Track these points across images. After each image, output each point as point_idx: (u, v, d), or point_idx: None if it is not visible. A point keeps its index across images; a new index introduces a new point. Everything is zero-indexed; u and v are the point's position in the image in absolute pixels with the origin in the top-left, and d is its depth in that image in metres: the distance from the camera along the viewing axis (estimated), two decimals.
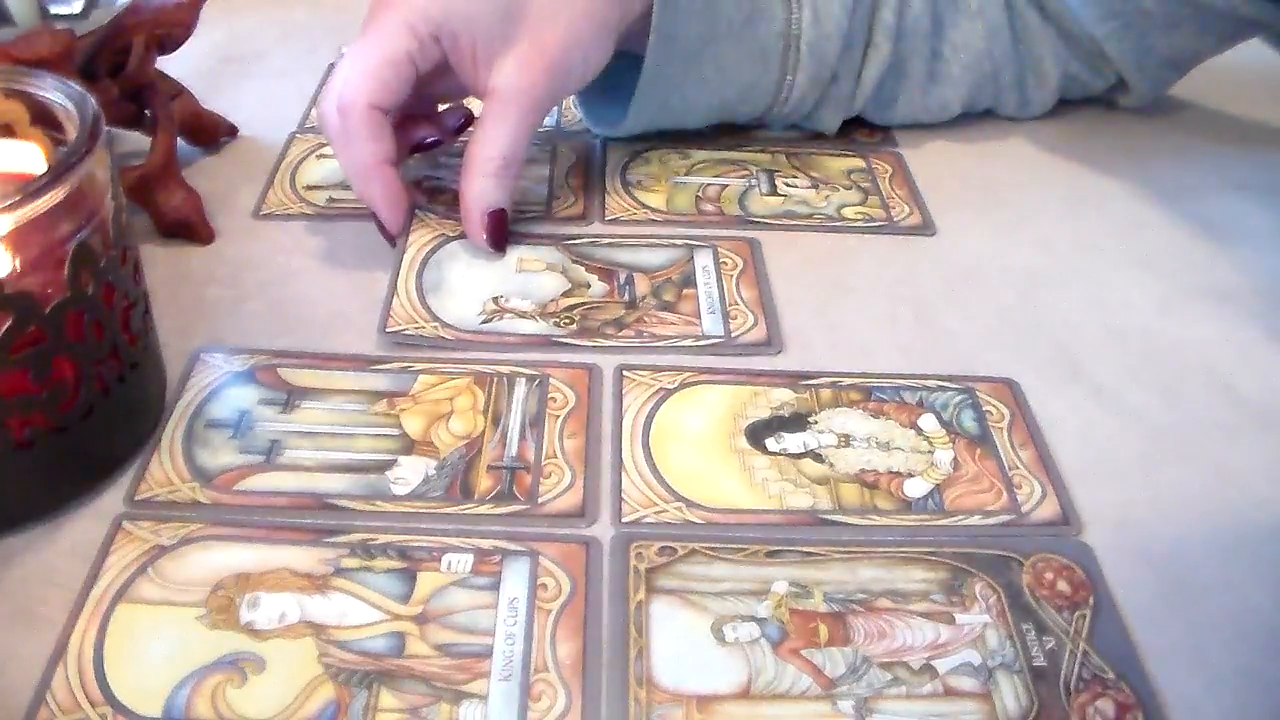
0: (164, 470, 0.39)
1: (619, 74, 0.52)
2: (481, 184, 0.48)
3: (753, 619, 0.35)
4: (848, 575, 0.37)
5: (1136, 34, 0.58)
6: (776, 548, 0.37)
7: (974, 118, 0.62)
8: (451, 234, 0.51)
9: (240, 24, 0.71)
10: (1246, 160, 0.61)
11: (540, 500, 0.39)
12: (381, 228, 0.50)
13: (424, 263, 0.49)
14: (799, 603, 0.36)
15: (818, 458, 0.41)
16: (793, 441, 0.42)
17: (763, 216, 0.54)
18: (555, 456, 0.40)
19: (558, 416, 0.42)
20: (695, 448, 0.41)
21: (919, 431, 0.42)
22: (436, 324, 0.46)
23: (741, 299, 0.49)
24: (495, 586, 0.36)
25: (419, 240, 0.50)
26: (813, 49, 0.55)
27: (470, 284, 0.49)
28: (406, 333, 0.46)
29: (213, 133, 0.58)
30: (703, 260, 0.51)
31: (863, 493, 0.40)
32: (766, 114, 0.58)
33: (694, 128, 0.59)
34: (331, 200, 0.54)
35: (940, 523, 0.39)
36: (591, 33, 0.49)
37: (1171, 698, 0.34)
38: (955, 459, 0.41)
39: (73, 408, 0.36)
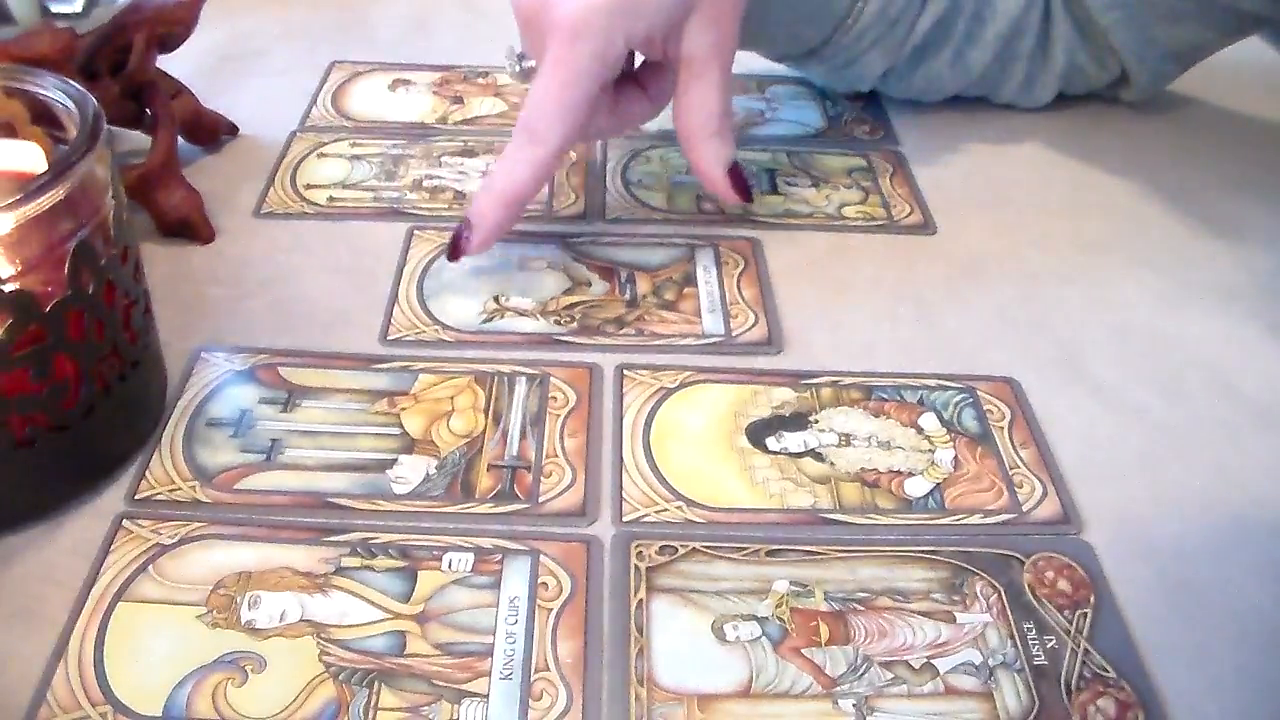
0: (164, 469, 0.39)
1: None
2: (712, 146, 0.49)
3: (753, 618, 0.35)
4: (848, 574, 0.37)
5: (1139, 25, 0.59)
6: (777, 547, 0.37)
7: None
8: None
9: (240, 23, 0.71)
10: (1246, 159, 0.61)
11: (541, 499, 0.39)
12: (458, 243, 0.47)
13: (424, 271, 0.49)
14: (800, 602, 0.36)
15: (818, 457, 0.41)
16: (793, 440, 0.42)
17: (763, 216, 0.54)
18: (556, 455, 0.40)
19: (558, 415, 0.42)
20: (696, 447, 0.41)
21: (920, 430, 0.42)
22: (437, 327, 0.46)
23: (742, 298, 0.49)
24: (496, 585, 0.36)
25: (418, 252, 0.50)
26: None
27: (471, 284, 0.49)
28: (407, 339, 0.46)
29: (213, 131, 0.58)
30: (704, 259, 0.51)
31: (863, 492, 0.40)
32: (824, 44, 0.58)
33: (755, 50, 0.59)
34: (332, 199, 0.54)
35: (941, 522, 0.39)
36: None
37: (1172, 696, 0.34)
38: (956, 458, 0.41)
39: (73, 406, 0.36)
